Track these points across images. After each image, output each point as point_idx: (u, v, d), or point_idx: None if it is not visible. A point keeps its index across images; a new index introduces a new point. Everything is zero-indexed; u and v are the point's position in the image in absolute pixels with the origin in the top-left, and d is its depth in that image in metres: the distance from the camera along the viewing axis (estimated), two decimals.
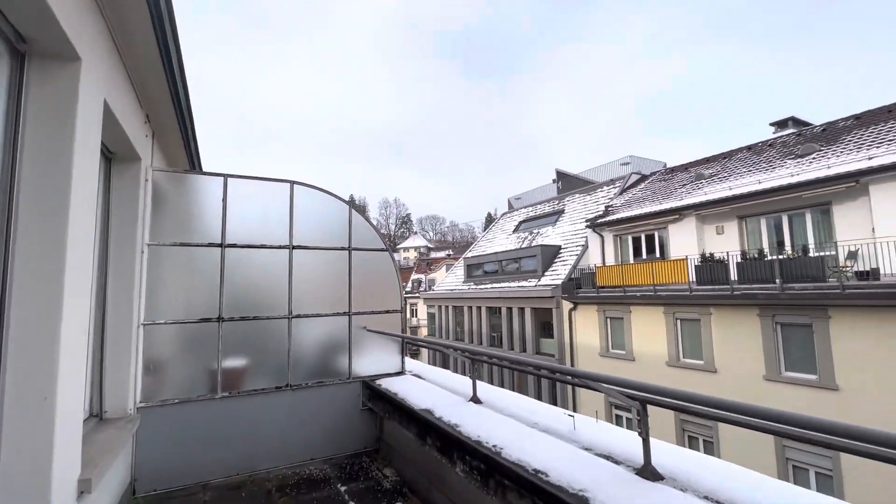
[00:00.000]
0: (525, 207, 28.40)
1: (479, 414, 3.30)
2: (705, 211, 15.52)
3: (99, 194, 3.45)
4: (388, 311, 5.12)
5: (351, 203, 5.08)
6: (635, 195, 20.34)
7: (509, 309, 21.20)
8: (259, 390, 4.49)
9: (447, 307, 26.20)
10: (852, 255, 11.79)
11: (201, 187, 4.40)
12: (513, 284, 21.46)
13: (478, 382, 3.83)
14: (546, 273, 20.43)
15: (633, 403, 2.12)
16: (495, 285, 22.55)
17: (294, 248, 4.71)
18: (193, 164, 5.20)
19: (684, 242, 16.11)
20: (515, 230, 26.54)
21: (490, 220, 71.65)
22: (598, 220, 19.11)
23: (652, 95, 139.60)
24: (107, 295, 3.62)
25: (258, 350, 4.50)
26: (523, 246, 23.56)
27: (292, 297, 4.66)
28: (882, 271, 11.06)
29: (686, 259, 14.91)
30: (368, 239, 5.08)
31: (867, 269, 11.36)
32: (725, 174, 17.04)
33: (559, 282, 19.12)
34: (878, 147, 12.60)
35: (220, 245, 4.40)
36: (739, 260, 13.60)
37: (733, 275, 13.55)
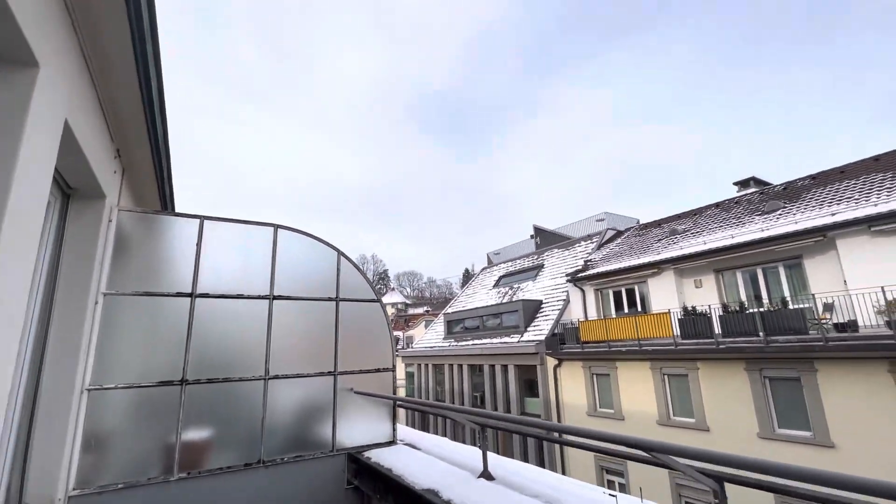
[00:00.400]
0: (504, 262, 28.45)
1: (496, 495, 2.76)
2: (683, 265, 15.75)
3: (48, 233, 2.96)
4: (378, 370, 4.55)
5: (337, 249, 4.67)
6: (613, 250, 20.69)
7: (492, 366, 20.41)
8: (225, 469, 3.76)
9: (426, 365, 25.09)
10: (828, 308, 11.97)
11: (174, 230, 3.93)
12: (495, 340, 20.85)
13: (488, 454, 3.29)
14: (529, 328, 20.01)
15: (707, 481, 1.71)
16: (477, 342, 21.86)
17: (275, 298, 4.20)
18: (166, 207, 4.76)
19: (665, 296, 16.18)
20: (496, 285, 26.34)
21: (468, 276, 71.74)
22: (579, 275, 19.16)
23: (620, 158, 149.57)
24: (45, 352, 3.01)
25: (227, 419, 3.82)
26: (504, 301, 23.26)
27: (270, 355, 4.08)
28: (860, 323, 11.20)
29: (669, 312, 14.85)
30: (358, 288, 4.62)
31: (844, 321, 11.50)
32: (698, 230, 17.61)
33: (542, 337, 18.69)
34: (838, 204, 13.32)
35: (191, 295, 3.86)
36: (721, 313, 13.63)
37: (717, 328, 13.51)
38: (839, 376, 10.98)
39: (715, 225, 17.10)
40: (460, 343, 22.88)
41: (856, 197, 13.11)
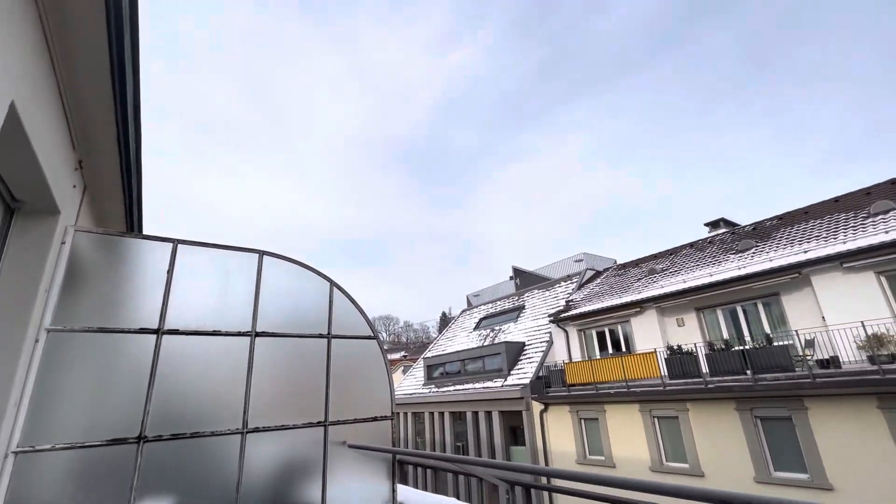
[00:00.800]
0: (484, 304, 28.01)
1: None
2: (665, 303, 15.79)
3: None
4: (375, 419, 3.93)
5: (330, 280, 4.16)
6: (593, 290, 20.69)
7: (475, 413, 19.42)
8: None
9: (405, 414, 23.71)
10: (810, 344, 12.03)
11: (141, 255, 3.36)
12: (477, 385, 20.00)
13: None
14: (512, 372, 19.35)
15: None
16: (458, 387, 20.92)
17: (258, 335, 3.60)
18: (133, 230, 4.17)
19: (648, 335, 16.06)
20: (476, 327, 25.72)
21: (445, 320, 70.52)
22: (562, 315, 18.91)
23: (591, 200, 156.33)
24: None
25: (194, 484, 3.10)
26: (486, 343, 22.61)
27: (249, 403, 3.42)
28: (842, 358, 11.26)
29: (655, 352, 14.66)
30: (352, 323, 4.07)
31: (827, 357, 11.55)
32: (676, 269, 17.87)
33: (527, 381, 18.04)
34: (808, 242, 13.79)
35: (157, 331, 3.25)
36: (707, 351, 13.54)
37: (704, 367, 13.35)
38: (830, 414, 10.85)
39: (692, 264, 17.41)
40: (441, 389, 21.84)
41: (824, 235, 13.63)
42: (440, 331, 47.28)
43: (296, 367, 3.73)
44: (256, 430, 3.41)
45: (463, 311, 30.56)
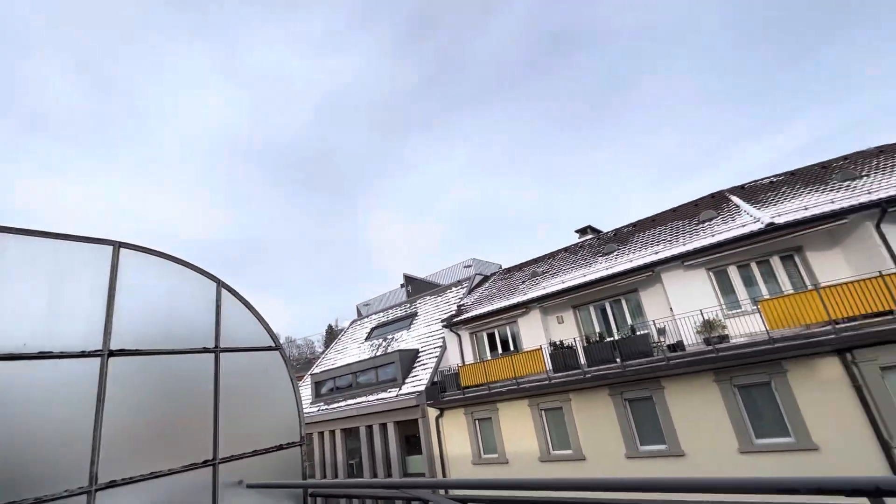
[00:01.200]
0: (376, 313, 27.21)
1: None
2: (547, 303, 17.06)
3: None
4: (280, 447, 3.19)
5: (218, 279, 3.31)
6: (483, 293, 21.51)
7: (369, 427, 18.56)
8: None
9: None
10: (662, 332, 14.05)
11: None
12: (371, 398, 19.18)
13: None
14: (407, 380, 19.00)
15: None
16: (350, 402, 19.80)
17: (112, 354, 2.64)
18: None
19: (534, 334, 17.17)
20: (368, 338, 24.79)
21: (332, 333, 66.99)
22: (454, 320, 19.23)
23: (476, 208, 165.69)
24: None
25: None
26: (378, 354, 21.89)
27: (100, 449, 2.46)
28: (686, 342, 13.34)
29: (541, 349, 15.69)
30: (248, 333, 3.28)
31: (675, 342, 13.59)
32: (555, 271, 19.51)
33: (422, 388, 17.87)
34: (657, 245, 16.19)
35: None
36: (585, 344, 14.93)
37: (582, 359, 14.68)
38: (680, 391, 12.71)
39: (568, 266, 19.18)
40: (332, 406, 20.45)
41: (668, 239, 16.14)
42: (327, 345, 44.79)
43: (172, 393, 2.83)
44: (112, 484, 2.46)
45: (353, 321, 29.28)
